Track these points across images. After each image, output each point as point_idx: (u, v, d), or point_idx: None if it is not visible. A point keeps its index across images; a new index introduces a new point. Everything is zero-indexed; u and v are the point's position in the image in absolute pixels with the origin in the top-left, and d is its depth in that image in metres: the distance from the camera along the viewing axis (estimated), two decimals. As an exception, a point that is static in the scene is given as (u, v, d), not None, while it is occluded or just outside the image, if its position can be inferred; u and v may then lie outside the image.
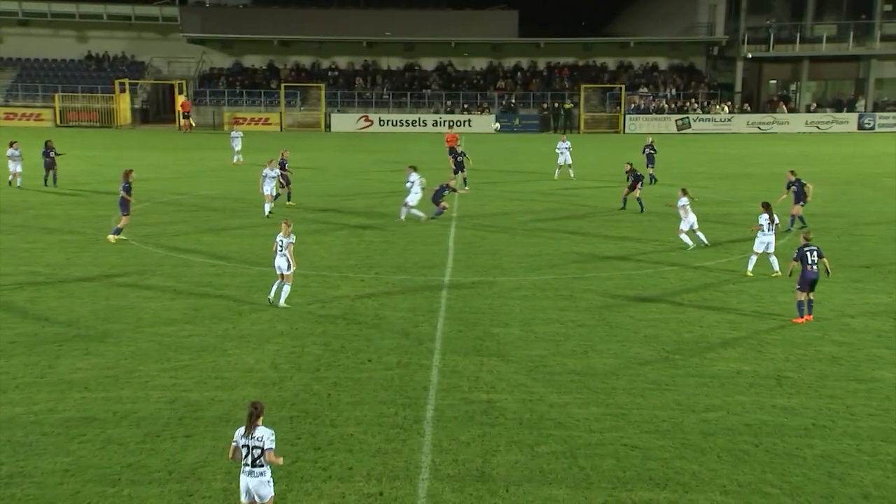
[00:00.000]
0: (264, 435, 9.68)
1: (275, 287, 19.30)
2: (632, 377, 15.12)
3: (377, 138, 61.58)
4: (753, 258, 21.93)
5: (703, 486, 11.35)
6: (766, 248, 21.60)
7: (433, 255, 24.27)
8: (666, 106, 67.17)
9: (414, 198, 28.64)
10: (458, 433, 12.88)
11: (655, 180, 36.92)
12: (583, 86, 67.15)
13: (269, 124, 66.81)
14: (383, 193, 35.26)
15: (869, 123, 64.24)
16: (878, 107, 67.66)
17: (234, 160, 44.48)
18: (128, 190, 25.44)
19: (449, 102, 68.58)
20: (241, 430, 9.74)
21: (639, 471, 11.75)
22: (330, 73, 71.92)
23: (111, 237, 25.49)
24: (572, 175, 38.84)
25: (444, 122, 66.36)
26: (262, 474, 9.72)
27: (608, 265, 23.14)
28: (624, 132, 64.88)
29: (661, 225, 28.11)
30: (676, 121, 65.20)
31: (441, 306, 19.35)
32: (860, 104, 67.13)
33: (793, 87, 70.90)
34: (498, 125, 20.03)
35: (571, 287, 20.90)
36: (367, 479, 11.49)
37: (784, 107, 67.20)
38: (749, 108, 68.13)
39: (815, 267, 17.81)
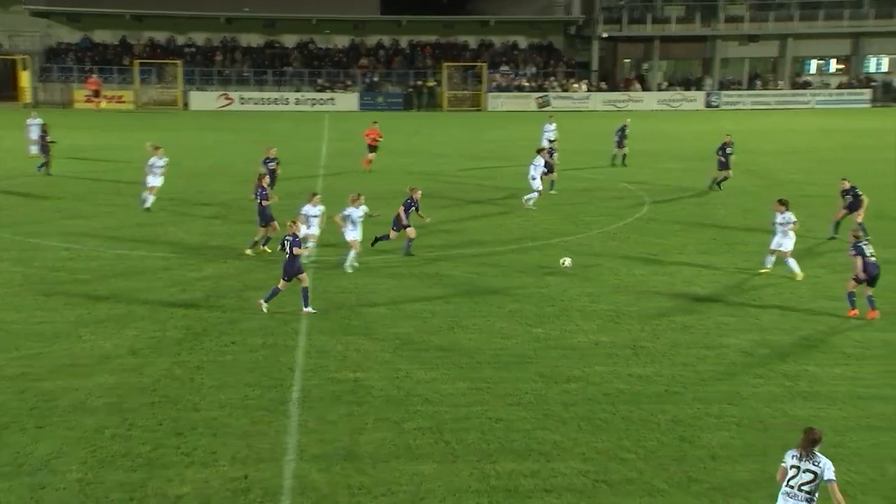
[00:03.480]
0: (825, 464, 8.91)
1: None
2: (496, 351, 15.42)
3: (239, 117, 60.25)
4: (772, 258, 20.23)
5: (564, 454, 11.71)
6: (781, 247, 19.84)
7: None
8: (526, 84, 68.34)
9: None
10: (325, 413, 12.85)
11: (625, 159, 37.11)
12: (445, 64, 67.53)
13: (123, 102, 64.35)
14: (247, 173, 34.55)
15: (715, 101, 67.15)
16: (724, 85, 70.80)
17: (32, 152, 36.34)
18: None
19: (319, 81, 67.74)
20: (794, 451, 9.06)
21: (503, 443, 12.02)
22: (187, 50, 69.78)
23: None
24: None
25: (308, 100, 65.56)
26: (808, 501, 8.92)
27: (474, 243, 23.45)
28: (486, 110, 65.66)
29: (515, 203, 28.65)
30: (537, 98, 66.45)
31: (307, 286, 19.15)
32: (707, 83, 70.04)
33: (646, 66, 73.31)
34: (568, 261, 19.06)
35: (438, 265, 21.09)
36: (232, 463, 11.33)
37: (638, 85, 69.44)
38: (605, 87, 70.06)
39: (873, 258, 17.12)
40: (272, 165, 27.32)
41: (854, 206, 23.43)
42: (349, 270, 20.16)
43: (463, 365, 14.80)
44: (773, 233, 20.12)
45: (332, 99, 66.16)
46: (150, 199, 26.64)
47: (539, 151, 28.35)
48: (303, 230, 20.12)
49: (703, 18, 69.72)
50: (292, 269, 17.00)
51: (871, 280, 17.12)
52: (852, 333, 16.37)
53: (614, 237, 24.09)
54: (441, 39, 72.98)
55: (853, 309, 17.25)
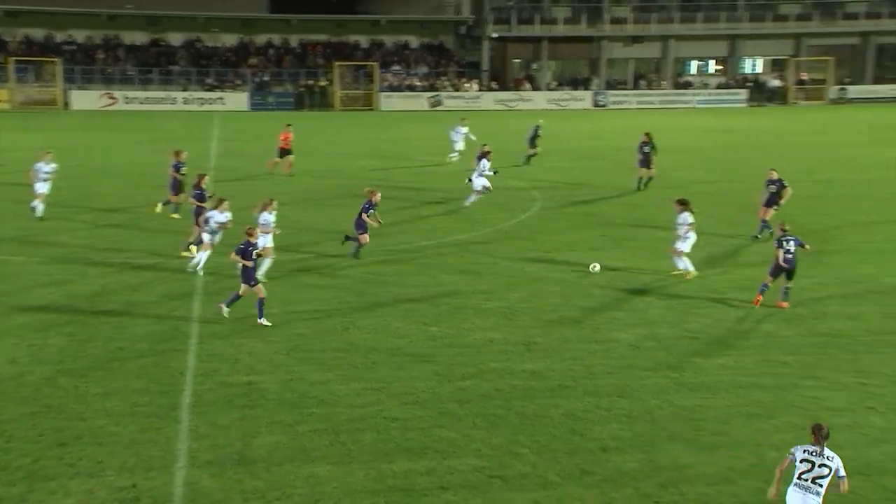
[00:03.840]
0: (837, 460, 9.31)
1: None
2: (392, 351, 15.42)
3: (124, 116, 58.48)
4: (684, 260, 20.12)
5: (460, 451, 11.80)
6: (679, 246, 19.98)
7: (187, 237, 23.45)
8: (418, 84, 68.54)
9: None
10: (217, 418, 12.62)
11: (530, 159, 37.11)
12: (336, 63, 67.09)
13: None
14: (133, 175, 33.64)
15: (602, 101, 68.70)
16: (610, 85, 72.48)
17: None
18: None
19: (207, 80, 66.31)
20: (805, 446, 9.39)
21: (399, 442, 12.04)
22: (66, 48, 67.31)
23: None
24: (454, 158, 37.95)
25: (196, 99, 64.16)
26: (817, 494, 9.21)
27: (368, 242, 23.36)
28: (379, 109, 65.56)
29: (410, 202, 28.72)
30: (429, 98, 66.70)
31: (197, 290, 18.80)
32: (595, 83, 71.61)
33: (535, 65, 74.42)
34: (597, 266, 18.74)
35: (332, 265, 20.95)
36: (119, 472, 11.01)
37: (528, 85, 70.46)
38: (496, 86, 70.85)
39: (789, 255, 17.62)
40: (184, 170, 26.20)
41: (773, 199, 23.63)
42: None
43: (358, 365, 14.75)
44: (676, 232, 20.33)
45: (222, 98, 64.90)
46: (41, 208, 25.32)
47: (484, 154, 28.14)
48: (205, 237, 19.69)
49: (589, 20, 71.22)
50: (249, 274, 16.61)
51: (788, 273, 17.76)
52: (733, 325, 17.00)
53: (507, 235, 24.39)
54: (332, 39, 72.46)
55: (759, 296, 17.94)
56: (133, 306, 17.55)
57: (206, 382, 13.88)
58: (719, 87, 72.36)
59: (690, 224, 19.75)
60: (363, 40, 73.09)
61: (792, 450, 9.50)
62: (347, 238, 21.62)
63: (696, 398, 13.57)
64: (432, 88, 68.30)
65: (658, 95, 70.14)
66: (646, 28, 71.83)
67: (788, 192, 23.57)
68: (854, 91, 70.67)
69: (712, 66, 77.41)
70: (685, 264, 19.95)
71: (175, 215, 25.45)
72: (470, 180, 27.95)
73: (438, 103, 66.50)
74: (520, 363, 14.97)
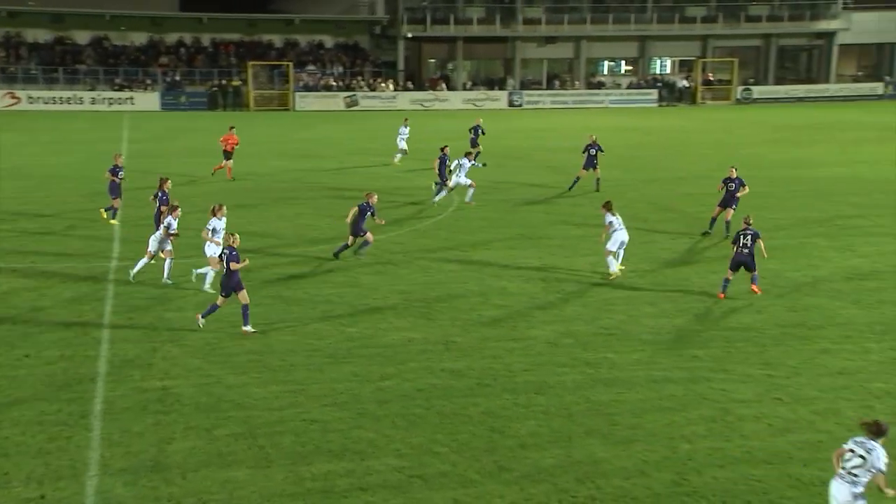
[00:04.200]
0: (878, 452, 9.20)
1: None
2: (310, 352, 15.31)
3: (28, 117, 56.70)
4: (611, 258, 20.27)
5: (379, 452, 11.79)
6: (622, 245, 20.25)
7: (98, 240, 22.91)
8: (334, 83, 68.13)
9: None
10: (130, 424, 12.34)
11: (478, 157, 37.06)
12: (250, 63, 66.21)
13: None
14: (39, 177, 32.65)
15: (518, 101, 69.38)
16: (525, 85, 73.26)
17: None
18: None
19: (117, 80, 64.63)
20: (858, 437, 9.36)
21: (318, 444, 11.96)
22: (-36, 45, 64.93)
23: None
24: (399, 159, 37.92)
25: (104, 99, 62.58)
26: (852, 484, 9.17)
27: (284, 244, 23.15)
28: (294, 109, 64.96)
29: (328, 202, 28.55)
30: (344, 98, 66.38)
31: (108, 293, 18.36)
32: (510, 83, 72.27)
33: (450, 65, 74.74)
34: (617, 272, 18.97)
35: (247, 267, 20.62)
36: (27, 483, 10.68)
37: (443, 85, 70.70)
38: (412, 86, 70.91)
39: (745, 250, 18.20)
40: (122, 175, 25.41)
41: (730, 197, 23.85)
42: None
43: (276, 368, 14.60)
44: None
45: (132, 98, 63.42)
46: None
47: (467, 154, 29.05)
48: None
49: (503, 20, 71.82)
50: (230, 283, 16.11)
51: (746, 266, 18.44)
52: (646, 321, 17.36)
53: (424, 234, 24.45)
54: (245, 38, 71.45)
55: (722, 293, 18.59)
56: (40, 312, 17.03)
57: (119, 388, 13.56)
58: (630, 87, 73.79)
59: (609, 224, 20.03)
60: (277, 40, 72.28)
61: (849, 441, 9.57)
62: (338, 253, 21.37)
63: (611, 393, 13.82)
64: (348, 88, 67.99)
65: (572, 95, 71.15)
66: (559, 29, 72.77)
67: (745, 191, 24.06)
68: (758, 91, 72.90)
69: (624, 67, 78.89)
70: (611, 264, 20.18)
71: (114, 221, 24.77)
72: (438, 183, 28.28)
73: (354, 103, 66.24)
74: (439, 362, 15.02)
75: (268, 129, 51.13)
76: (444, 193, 28.46)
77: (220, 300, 16.29)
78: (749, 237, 18.34)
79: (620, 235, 20.01)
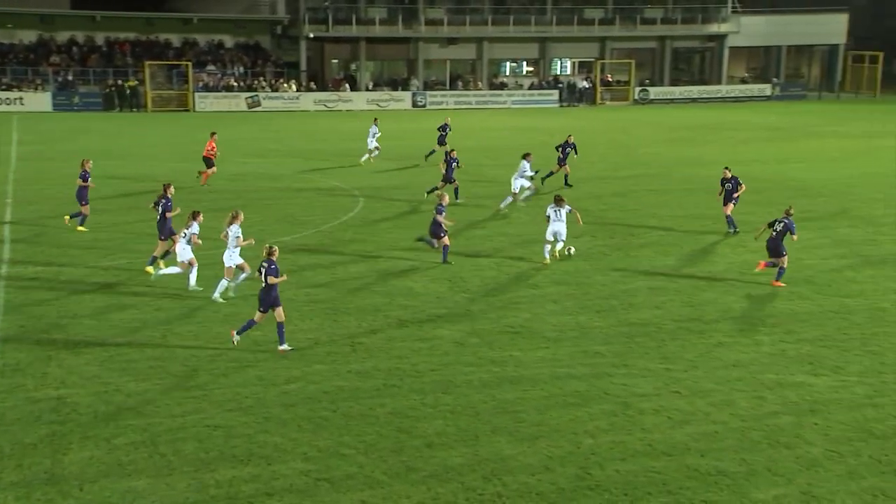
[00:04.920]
0: None
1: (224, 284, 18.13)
2: (213, 357, 15.05)
3: None
4: (547, 247, 21.44)
5: (285, 456, 11.67)
6: (557, 236, 21.30)
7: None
8: (235, 84, 67.05)
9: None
10: (23, 436, 11.92)
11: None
12: (147, 63, 64.61)
13: None
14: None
15: (421, 101, 69.51)
16: (428, 86, 73.44)
17: None
18: None
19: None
20: None
21: (222, 450, 11.77)
22: None
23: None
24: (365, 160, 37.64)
25: (-9, 99, 60.26)
26: None
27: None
28: (194, 110, 63.68)
29: (232, 203, 28.13)
30: (246, 99, 65.40)
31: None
32: (413, 83, 72.39)
33: (353, 66, 74.40)
34: (573, 249, 19.49)
35: (146, 272, 20.17)
36: (-84, 502, 10.22)
37: (347, 85, 70.35)
38: (315, 87, 70.34)
39: (774, 236, 19.62)
40: (89, 179, 24.30)
41: (730, 196, 24.55)
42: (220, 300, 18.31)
43: (178, 374, 14.31)
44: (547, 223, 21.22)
45: (21, 98, 61.17)
46: None
47: (526, 156, 28.55)
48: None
49: (405, 21, 71.84)
50: (268, 298, 15.35)
51: (771, 252, 19.84)
52: (550, 319, 17.62)
53: (329, 236, 24.29)
54: (141, 37, 69.65)
55: (767, 271, 20.09)
56: (-75, 322, 16.31)
57: (9, 399, 13.09)
58: (532, 87, 74.72)
59: (547, 217, 21.26)
60: (175, 39, 70.70)
61: None
62: (422, 240, 22.12)
63: (516, 391, 13.99)
64: (250, 89, 66.99)
65: (475, 96, 71.64)
66: (460, 30, 73.19)
67: (743, 188, 24.82)
68: (654, 92, 74.72)
69: (525, 68, 79.88)
70: (545, 251, 21.41)
71: (82, 228, 23.81)
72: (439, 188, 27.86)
73: (257, 104, 65.32)
74: (345, 364, 14.96)
75: (166, 131, 50.03)
76: (510, 200, 28.38)
77: (257, 316, 15.59)
78: (780, 225, 19.70)
79: (554, 227, 21.12)
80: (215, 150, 32.08)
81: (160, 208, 20.10)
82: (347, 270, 20.79)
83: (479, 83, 74.24)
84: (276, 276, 15.32)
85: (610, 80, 75.14)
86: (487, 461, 11.67)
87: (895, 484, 11.19)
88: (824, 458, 11.81)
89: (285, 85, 68.10)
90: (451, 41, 73.94)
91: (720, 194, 25.14)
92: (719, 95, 75.51)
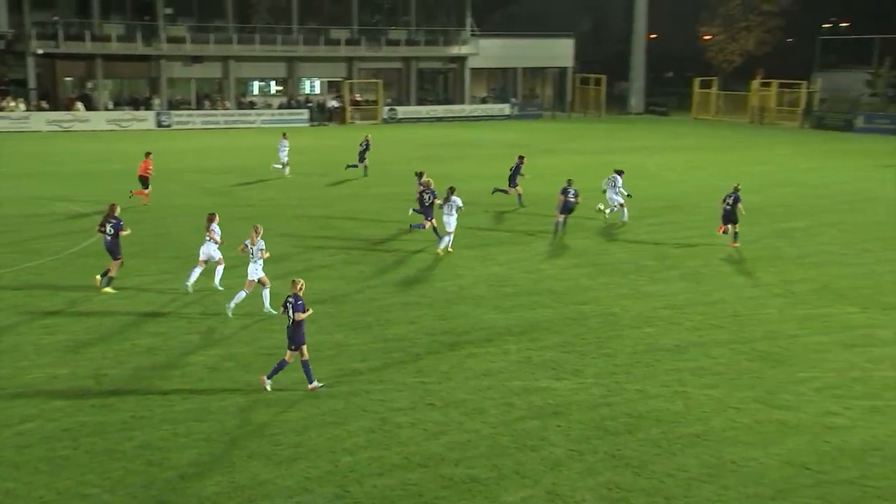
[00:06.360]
0: None
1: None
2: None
3: None
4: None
5: (20, 502, 10.84)
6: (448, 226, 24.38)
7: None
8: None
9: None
10: None
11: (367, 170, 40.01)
12: None
13: None
14: None
15: (166, 121, 67.08)
16: (173, 105, 71.05)
17: None
18: None
19: None
20: None
21: (-52, 502, 10.76)
22: None
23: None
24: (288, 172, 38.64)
25: None
26: None
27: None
28: None
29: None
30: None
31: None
32: (156, 102, 69.74)
33: (90, 84, 70.59)
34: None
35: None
36: None
37: (81, 105, 66.53)
38: (47, 106, 66.02)
39: (728, 208, 25.39)
40: None
41: (729, 214, 25.53)
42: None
43: None
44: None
45: None
46: None
47: (619, 172, 29.65)
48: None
49: (145, 38, 69.01)
50: (297, 336, 14.16)
51: (726, 220, 25.53)
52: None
53: (68, 263, 22.86)
54: None
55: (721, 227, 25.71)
56: None
57: None
58: (281, 107, 74.20)
59: (441, 208, 24.59)
60: None
61: None
62: (413, 227, 26.02)
63: (273, 413, 13.81)
64: (-28, 107, 61.80)
65: (223, 115, 70.08)
66: (205, 48, 71.37)
67: (741, 209, 25.77)
68: (402, 111, 76.48)
69: (274, 87, 79.22)
70: (445, 243, 24.44)
71: None
72: (429, 208, 26.04)
73: (-22, 123, 60.32)
74: (88, 398, 14.13)
75: None
76: (616, 209, 29.24)
77: (288, 355, 14.51)
78: (732, 198, 25.29)
79: (451, 220, 24.47)
80: (150, 169, 31.71)
81: (111, 228, 20.02)
82: (90, 298, 19.66)
83: (227, 103, 72.77)
84: (303, 312, 14.53)
85: (359, 99, 76.10)
86: (244, 487, 11.44)
87: (627, 477, 12.09)
88: (566, 458, 12.56)
89: (12, 104, 63.45)
90: (196, 59, 71.96)
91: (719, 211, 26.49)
92: (463, 114, 78.45)
